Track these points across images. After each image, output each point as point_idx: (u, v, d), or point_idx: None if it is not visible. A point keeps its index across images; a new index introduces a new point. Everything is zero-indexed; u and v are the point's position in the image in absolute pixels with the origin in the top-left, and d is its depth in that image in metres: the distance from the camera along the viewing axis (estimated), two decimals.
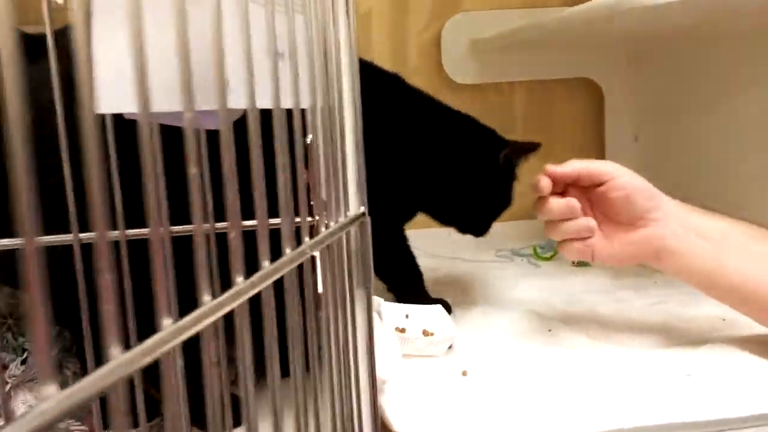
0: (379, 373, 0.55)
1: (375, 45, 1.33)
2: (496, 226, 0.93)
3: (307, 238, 0.38)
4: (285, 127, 0.35)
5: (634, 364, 0.64)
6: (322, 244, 0.40)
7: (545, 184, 0.68)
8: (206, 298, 0.27)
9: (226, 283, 0.29)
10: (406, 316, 0.78)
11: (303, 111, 0.42)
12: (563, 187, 0.71)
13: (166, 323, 0.24)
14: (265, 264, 0.32)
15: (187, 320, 0.25)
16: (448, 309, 0.85)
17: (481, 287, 0.97)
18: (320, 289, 0.46)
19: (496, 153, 0.86)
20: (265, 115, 0.36)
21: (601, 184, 0.68)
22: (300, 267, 0.44)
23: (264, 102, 0.34)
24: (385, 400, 0.54)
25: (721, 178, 1.03)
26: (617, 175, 0.68)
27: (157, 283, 0.25)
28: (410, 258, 0.93)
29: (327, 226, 0.43)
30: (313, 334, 0.41)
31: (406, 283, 0.92)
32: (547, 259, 1.16)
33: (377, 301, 0.72)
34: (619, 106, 1.34)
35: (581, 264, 1.11)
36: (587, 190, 0.71)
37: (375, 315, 0.67)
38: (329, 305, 0.44)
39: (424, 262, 0.93)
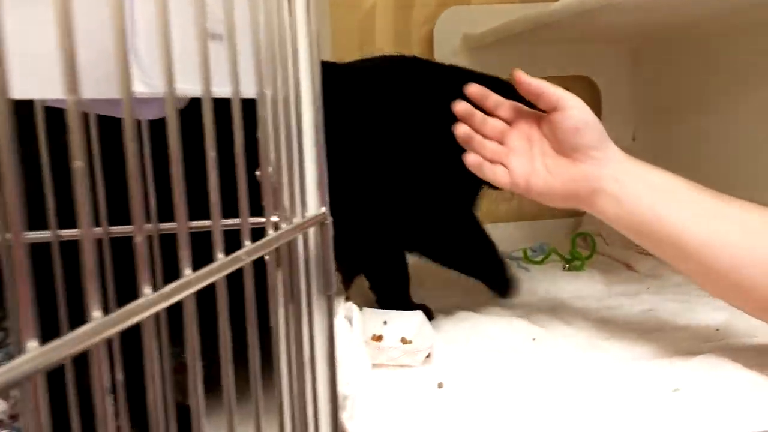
0: (343, 387, 0.51)
1: (378, 39, 1.30)
2: (486, 229, 0.89)
3: (247, 242, 0.35)
4: (213, 117, 0.31)
5: (619, 378, 0.60)
6: (269, 248, 0.37)
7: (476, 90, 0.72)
8: (95, 315, 0.23)
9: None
10: (384, 323, 0.74)
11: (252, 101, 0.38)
12: (514, 116, 0.73)
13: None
14: (187, 272, 0.29)
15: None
16: (430, 315, 0.81)
17: (466, 292, 0.93)
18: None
19: None
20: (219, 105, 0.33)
21: (556, 110, 0.68)
22: (259, 270, 0.41)
23: (194, 89, 0.31)
24: (347, 417, 0.50)
25: (721, 178, 0.99)
26: (572, 105, 0.67)
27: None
28: (402, 262, 0.89)
29: (277, 228, 0.39)
30: (256, 346, 0.37)
31: (390, 286, 0.88)
32: (538, 263, 1.13)
33: (350, 308, 0.68)
34: (617, 105, 1.30)
35: (573, 268, 1.07)
36: (539, 121, 0.71)
37: (345, 323, 0.63)
38: (280, 315, 0.40)
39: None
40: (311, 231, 0.45)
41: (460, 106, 0.72)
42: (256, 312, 0.42)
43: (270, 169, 0.40)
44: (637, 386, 0.58)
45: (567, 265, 1.08)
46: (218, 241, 0.32)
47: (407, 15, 1.31)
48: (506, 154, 0.72)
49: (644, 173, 0.66)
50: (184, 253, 0.28)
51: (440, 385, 0.62)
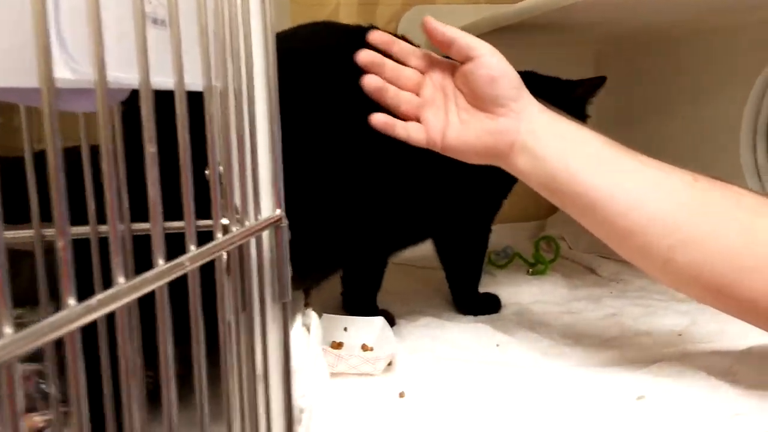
0: (298, 400, 0.49)
1: None
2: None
3: (192, 247, 0.32)
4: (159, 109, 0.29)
5: (583, 385, 0.59)
6: (216, 253, 0.34)
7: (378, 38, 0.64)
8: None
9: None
10: (345, 329, 0.72)
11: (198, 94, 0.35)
12: (427, 66, 0.66)
13: None
14: (120, 281, 0.26)
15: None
16: (392, 321, 0.79)
17: (430, 297, 0.92)
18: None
19: None
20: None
21: (470, 60, 0.62)
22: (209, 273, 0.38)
23: (129, 77, 0.28)
24: (302, 431, 0.48)
25: None
26: (486, 53, 0.62)
27: None
28: (383, 264, 0.86)
29: (227, 231, 0.36)
30: (201, 359, 0.34)
31: (363, 288, 0.86)
32: (502, 267, 1.11)
33: (309, 315, 0.66)
34: None
35: (536, 273, 1.06)
36: (453, 72, 0.65)
37: (302, 331, 0.61)
38: (228, 323, 0.38)
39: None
40: (265, 234, 0.43)
41: (364, 55, 0.63)
42: (206, 322, 0.39)
43: (219, 167, 0.37)
44: (602, 394, 0.57)
45: (531, 270, 1.08)
46: (158, 245, 0.29)
47: (371, 13, 1.29)
48: (421, 105, 0.65)
49: (561, 126, 0.62)
50: (116, 260, 0.25)
51: (402, 395, 0.59)
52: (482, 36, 0.95)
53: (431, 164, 0.73)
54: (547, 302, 0.91)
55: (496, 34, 1.02)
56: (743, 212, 0.54)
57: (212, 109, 0.34)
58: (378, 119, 0.63)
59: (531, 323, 0.81)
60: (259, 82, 0.40)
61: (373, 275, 0.86)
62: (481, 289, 0.92)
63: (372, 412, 0.55)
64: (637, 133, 1.19)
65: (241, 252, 0.39)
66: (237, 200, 0.39)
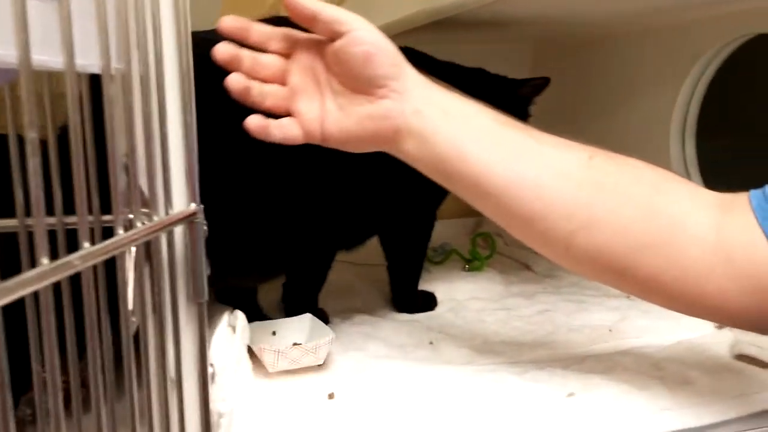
0: (218, 405, 0.46)
1: None
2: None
3: (86, 244, 0.29)
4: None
5: (515, 383, 0.58)
6: (114, 251, 0.31)
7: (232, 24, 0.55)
8: None
9: None
10: (273, 333, 0.69)
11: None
12: (290, 47, 0.57)
13: None
14: None
15: None
16: (325, 320, 0.77)
17: (364, 294, 0.90)
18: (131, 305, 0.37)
19: None
20: None
21: (339, 36, 0.54)
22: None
23: (7, 54, 0.25)
24: None
25: None
26: (357, 27, 0.54)
27: None
28: (329, 261, 0.82)
29: (130, 227, 0.34)
30: (98, 366, 0.32)
31: (298, 289, 0.82)
32: (439, 263, 1.10)
33: (236, 315, 0.63)
34: None
35: (472, 269, 1.06)
36: (322, 51, 0.56)
37: (227, 332, 0.58)
38: (133, 327, 0.35)
39: None
40: (178, 230, 0.40)
41: (220, 50, 0.54)
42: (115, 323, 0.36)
43: (124, 158, 0.35)
44: (533, 392, 0.56)
45: (467, 266, 1.07)
46: (41, 243, 0.26)
47: None
48: (290, 96, 0.56)
49: (447, 102, 0.56)
50: None
51: (331, 396, 0.57)
52: (417, 30, 0.95)
53: (372, 158, 0.71)
54: (482, 299, 0.90)
55: (432, 28, 1.01)
56: (642, 188, 0.51)
57: (111, 94, 0.31)
58: (251, 123, 0.54)
59: (465, 320, 0.80)
60: (170, 67, 0.37)
61: (316, 274, 0.82)
62: (418, 286, 0.91)
63: (299, 415, 0.53)
64: (572, 130, 1.20)
65: (149, 249, 0.37)
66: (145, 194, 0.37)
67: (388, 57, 0.55)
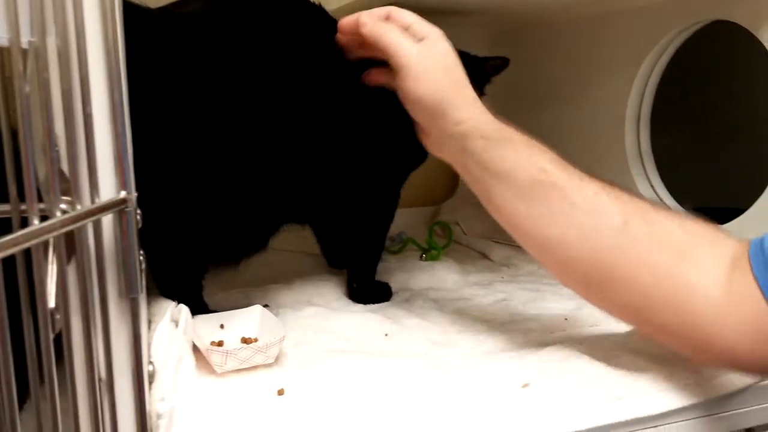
0: (156, 405, 0.43)
1: None
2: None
3: None
4: None
5: (470, 374, 0.57)
6: (26, 243, 0.28)
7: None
8: None
9: None
10: (221, 327, 0.66)
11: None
12: None
13: None
14: None
15: None
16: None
17: (317, 285, 0.87)
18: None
19: None
20: None
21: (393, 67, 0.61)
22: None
23: None
24: None
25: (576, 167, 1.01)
26: (405, 75, 0.60)
27: None
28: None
29: (47, 216, 0.31)
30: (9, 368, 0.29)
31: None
32: (395, 252, 1.09)
33: (180, 310, 0.60)
34: None
35: (429, 258, 1.05)
36: None
37: (170, 327, 0.55)
38: (50, 324, 0.32)
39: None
40: (107, 220, 0.37)
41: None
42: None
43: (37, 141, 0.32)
44: (488, 383, 0.55)
45: (424, 255, 1.06)
46: None
47: None
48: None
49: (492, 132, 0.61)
50: None
51: (281, 392, 0.55)
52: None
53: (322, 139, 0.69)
54: (439, 288, 0.89)
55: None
56: (666, 255, 0.52)
57: (18, 69, 0.28)
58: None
59: (422, 311, 0.79)
60: (94, 40, 0.34)
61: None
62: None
63: (245, 413, 0.51)
64: (528, 116, 1.19)
65: (71, 241, 0.34)
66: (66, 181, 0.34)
67: (427, 113, 0.61)
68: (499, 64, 0.87)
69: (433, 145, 0.65)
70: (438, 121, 0.60)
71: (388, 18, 0.62)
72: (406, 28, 0.62)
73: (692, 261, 0.51)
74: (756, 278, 0.48)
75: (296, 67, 0.66)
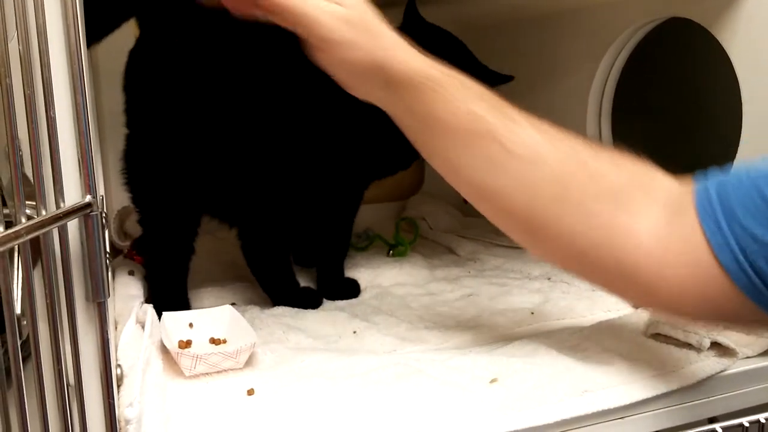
0: (125, 410, 0.43)
1: None
2: None
3: None
4: None
5: (438, 370, 0.58)
6: None
7: None
8: None
9: None
10: (190, 325, 0.66)
11: None
12: None
13: None
14: None
15: None
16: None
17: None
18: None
19: None
20: None
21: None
22: None
23: None
24: None
25: None
26: (328, 47, 0.54)
27: None
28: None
29: (11, 222, 0.30)
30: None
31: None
32: (362, 249, 1.09)
33: (145, 311, 0.59)
34: None
35: (397, 254, 1.05)
36: None
37: (136, 330, 0.55)
38: (17, 330, 0.31)
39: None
40: (72, 225, 0.36)
41: None
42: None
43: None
44: (456, 379, 0.56)
45: (391, 251, 1.06)
46: None
47: None
48: None
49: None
50: None
51: (250, 392, 0.55)
52: None
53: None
54: (406, 284, 0.90)
55: None
56: (601, 205, 0.52)
57: None
58: None
59: (390, 307, 0.79)
60: (56, 43, 0.33)
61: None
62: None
63: (214, 415, 0.51)
64: None
65: (37, 246, 0.33)
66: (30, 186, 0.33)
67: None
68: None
69: (350, 89, 0.58)
70: (368, 82, 0.56)
71: None
72: None
73: (627, 207, 0.51)
74: (703, 228, 0.48)
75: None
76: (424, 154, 0.58)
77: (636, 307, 0.59)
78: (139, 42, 0.71)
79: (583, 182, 0.52)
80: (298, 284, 0.81)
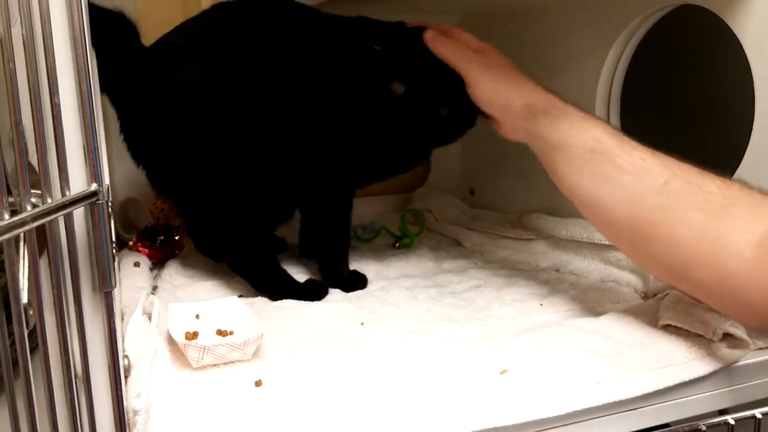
0: (133, 401, 0.42)
1: None
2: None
3: None
4: None
5: (448, 362, 0.57)
6: None
7: None
8: None
9: None
10: (197, 317, 0.66)
11: None
12: None
13: None
14: None
15: None
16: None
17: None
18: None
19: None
20: None
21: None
22: None
23: None
24: None
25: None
26: (475, 86, 0.71)
27: None
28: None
29: (16, 210, 0.30)
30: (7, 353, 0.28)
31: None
32: (368, 241, 1.08)
33: (152, 302, 0.59)
34: None
35: (403, 246, 1.04)
36: None
37: (143, 321, 0.54)
38: (23, 320, 0.31)
39: None
40: (78, 213, 0.36)
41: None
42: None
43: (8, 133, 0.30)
44: (466, 370, 0.55)
45: (397, 243, 1.05)
46: None
47: None
48: None
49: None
50: None
51: (258, 384, 0.54)
52: (337, 2, 0.91)
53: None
54: (413, 276, 0.89)
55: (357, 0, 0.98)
56: (703, 214, 0.55)
57: None
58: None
59: (397, 299, 0.78)
60: (60, 29, 0.33)
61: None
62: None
63: (223, 406, 0.50)
64: None
65: (42, 235, 0.33)
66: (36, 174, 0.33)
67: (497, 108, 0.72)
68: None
69: (507, 132, 0.73)
70: (508, 115, 0.70)
71: (447, 33, 0.75)
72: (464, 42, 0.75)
73: (727, 219, 0.54)
74: None
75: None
76: (552, 176, 0.67)
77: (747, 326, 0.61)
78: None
79: (688, 195, 0.57)
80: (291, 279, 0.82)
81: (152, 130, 0.73)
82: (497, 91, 0.71)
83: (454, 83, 0.72)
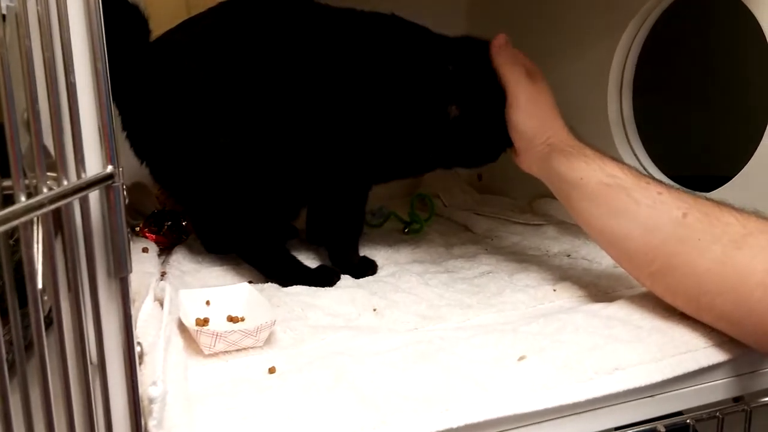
0: (148, 389, 0.42)
1: None
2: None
3: None
4: None
5: (463, 348, 0.56)
6: (11, 221, 0.26)
7: None
8: None
9: None
10: (207, 303, 0.65)
11: None
12: None
13: None
14: None
15: None
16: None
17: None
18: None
19: None
20: None
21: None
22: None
23: None
24: (154, 425, 0.41)
25: None
26: (516, 108, 0.73)
27: None
28: None
29: (33, 192, 0.29)
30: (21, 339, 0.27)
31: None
32: (377, 226, 1.08)
33: (163, 288, 0.58)
34: None
35: (412, 231, 1.04)
36: None
37: (155, 308, 0.54)
38: (41, 306, 0.30)
39: None
40: (93, 196, 0.35)
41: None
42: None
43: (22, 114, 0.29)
44: (483, 357, 0.54)
45: (406, 229, 1.04)
46: None
47: None
48: None
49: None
50: None
51: (272, 370, 0.54)
52: None
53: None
54: (424, 262, 0.88)
55: None
56: (722, 245, 0.55)
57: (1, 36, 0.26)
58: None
59: (408, 285, 0.77)
60: (75, 5, 0.32)
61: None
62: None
63: (238, 393, 0.49)
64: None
65: (60, 218, 0.32)
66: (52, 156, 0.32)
67: (522, 140, 0.73)
68: None
69: (521, 163, 0.76)
70: (532, 147, 0.72)
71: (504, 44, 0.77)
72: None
73: (749, 249, 0.54)
74: None
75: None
76: (569, 210, 0.69)
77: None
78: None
79: (706, 226, 0.56)
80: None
81: (158, 127, 0.72)
82: (529, 125, 0.73)
83: (500, 110, 0.74)
